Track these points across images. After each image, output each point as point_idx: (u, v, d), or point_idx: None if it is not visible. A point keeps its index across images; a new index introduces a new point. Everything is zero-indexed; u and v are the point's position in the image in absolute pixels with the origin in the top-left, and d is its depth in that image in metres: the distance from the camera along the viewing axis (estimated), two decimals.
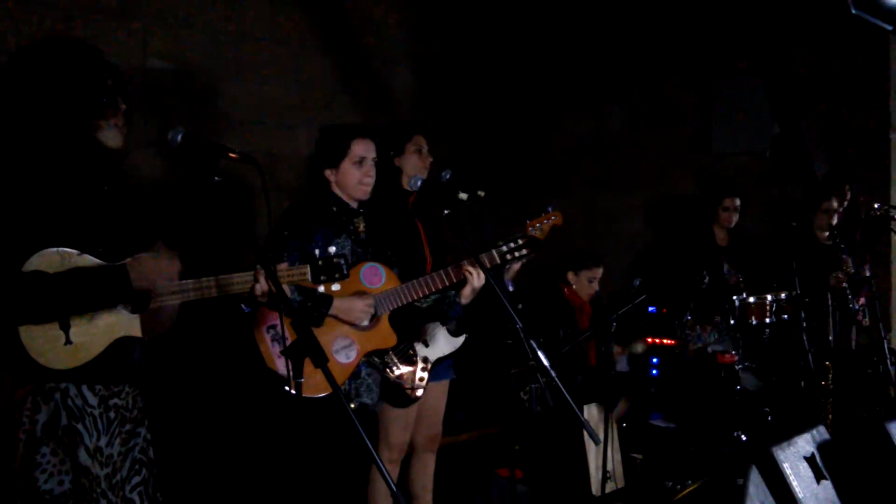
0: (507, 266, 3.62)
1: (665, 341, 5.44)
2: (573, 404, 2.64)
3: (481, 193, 3.45)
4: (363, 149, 3.36)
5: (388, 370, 3.52)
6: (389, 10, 5.79)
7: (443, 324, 3.72)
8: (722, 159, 6.11)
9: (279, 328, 3.10)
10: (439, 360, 3.72)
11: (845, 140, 5.81)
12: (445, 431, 4.04)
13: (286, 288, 2.57)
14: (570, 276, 5.21)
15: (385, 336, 3.31)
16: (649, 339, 5.46)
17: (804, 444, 3.50)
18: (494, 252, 3.37)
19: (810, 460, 3.43)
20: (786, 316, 5.07)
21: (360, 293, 3.24)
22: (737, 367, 5.07)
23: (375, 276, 3.28)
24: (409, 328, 3.55)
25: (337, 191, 3.37)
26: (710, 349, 5.27)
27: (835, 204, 5.42)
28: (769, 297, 5.07)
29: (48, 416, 2.24)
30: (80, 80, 2.30)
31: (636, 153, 6.40)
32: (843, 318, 5.30)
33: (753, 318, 5.06)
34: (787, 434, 3.51)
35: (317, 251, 2.59)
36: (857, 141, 5.79)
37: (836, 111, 5.81)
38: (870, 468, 3.59)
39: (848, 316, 5.28)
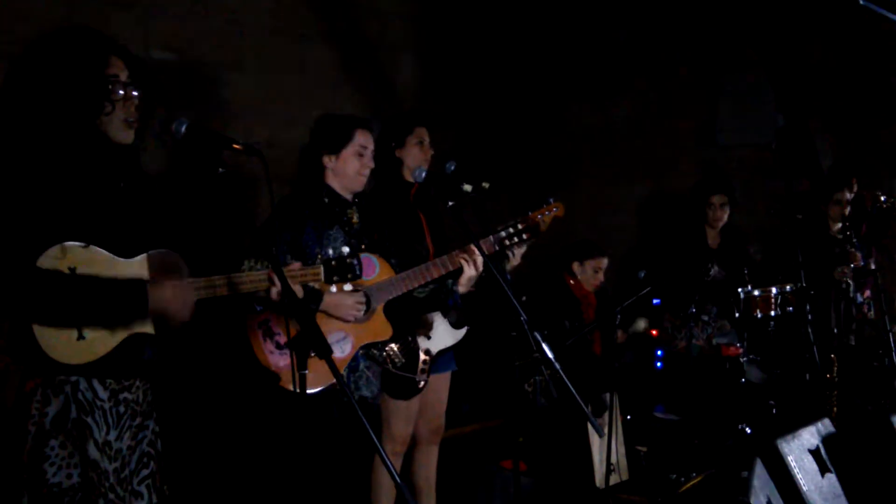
0: (509, 256, 3.61)
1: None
2: (577, 397, 2.63)
3: (486, 185, 3.44)
4: (365, 139, 3.34)
5: (388, 362, 3.52)
6: (394, 1, 5.77)
7: (443, 314, 3.71)
8: (727, 151, 6.09)
9: (271, 324, 3.10)
10: (441, 352, 3.71)
11: (852, 132, 5.79)
12: (449, 424, 4.03)
13: (298, 288, 2.56)
14: (576, 266, 5.20)
15: (380, 328, 3.29)
16: (654, 332, 5.45)
17: (809, 437, 3.50)
18: (492, 238, 3.34)
19: (815, 453, 3.43)
20: (791, 308, 5.05)
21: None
22: (742, 359, 5.06)
23: (369, 266, 3.25)
24: (408, 319, 3.54)
25: (331, 180, 3.33)
26: (714, 341, 5.26)
27: (847, 195, 5.37)
28: (774, 290, 5.05)
29: (58, 409, 2.23)
30: (81, 75, 2.28)
31: (641, 145, 6.38)
32: (846, 312, 5.28)
33: (758, 310, 5.04)
34: (792, 427, 3.51)
35: (330, 251, 2.57)
36: (863, 133, 5.76)
37: (843, 103, 5.78)
38: (874, 461, 3.58)
39: (849, 310, 5.26)
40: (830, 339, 5.17)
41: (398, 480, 2.01)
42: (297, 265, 2.60)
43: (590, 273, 5.19)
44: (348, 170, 3.31)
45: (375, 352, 3.40)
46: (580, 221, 4.03)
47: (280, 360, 3.10)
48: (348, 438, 3.14)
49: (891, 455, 3.55)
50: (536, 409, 4.72)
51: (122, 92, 2.32)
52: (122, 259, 2.29)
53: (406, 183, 3.78)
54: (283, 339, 3.12)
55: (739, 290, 5.05)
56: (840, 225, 5.33)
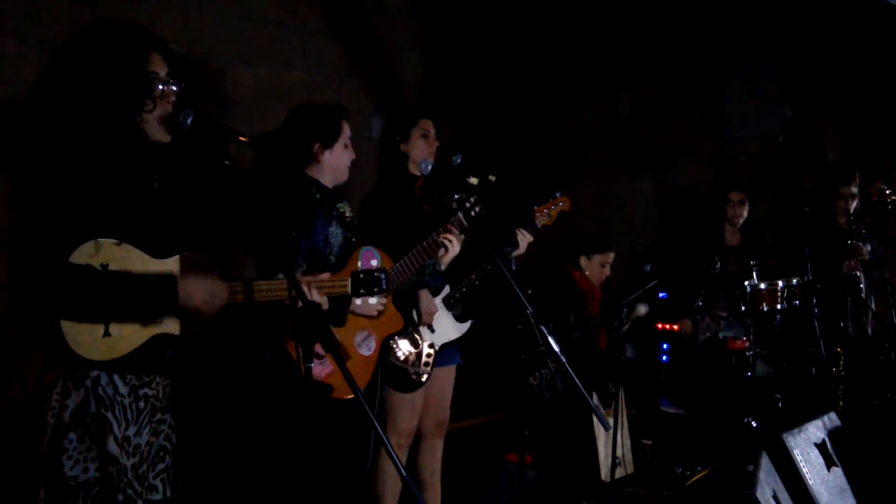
0: (518, 242, 3.63)
1: (676, 327, 5.43)
2: (583, 390, 2.63)
3: (492, 178, 3.44)
4: (348, 129, 3.33)
5: (391, 355, 3.52)
6: None
7: (447, 307, 3.72)
8: (733, 145, 6.07)
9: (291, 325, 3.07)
10: (445, 346, 3.72)
11: (858, 125, 5.76)
12: (455, 417, 4.04)
13: (325, 300, 2.57)
14: (583, 260, 5.20)
15: (394, 320, 3.32)
16: (659, 325, 5.44)
17: (815, 430, 3.50)
18: (460, 214, 3.41)
19: (821, 447, 3.43)
20: (797, 302, 5.04)
21: None
22: (748, 353, 5.05)
23: (373, 259, 3.24)
24: (410, 310, 3.55)
25: (319, 174, 3.28)
26: (721, 335, 5.26)
27: (854, 189, 5.36)
28: (780, 284, 5.04)
29: (77, 403, 2.23)
30: (124, 72, 2.27)
31: (646, 139, 6.36)
32: (854, 305, 5.26)
33: (765, 304, 5.04)
34: (798, 420, 3.50)
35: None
36: (870, 126, 5.74)
37: (850, 96, 5.75)
38: (881, 455, 3.58)
39: (860, 303, 5.25)
40: (837, 333, 5.15)
41: (403, 473, 2.01)
42: (326, 276, 2.60)
43: (596, 267, 5.19)
44: (341, 162, 3.29)
45: (392, 345, 3.42)
46: (584, 215, 4.03)
47: (322, 371, 3.03)
48: (355, 432, 3.14)
49: None
50: (542, 403, 4.72)
51: (161, 88, 2.32)
52: (154, 259, 2.28)
53: (411, 176, 3.77)
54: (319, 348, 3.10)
55: (746, 283, 5.04)
56: (846, 219, 5.31)
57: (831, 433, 3.55)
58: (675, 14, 6.19)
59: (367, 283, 2.59)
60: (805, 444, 3.36)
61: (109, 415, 2.26)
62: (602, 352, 5.08)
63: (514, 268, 3.76)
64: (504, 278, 2.81)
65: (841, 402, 4.92)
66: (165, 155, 2.39)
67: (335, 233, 3.22)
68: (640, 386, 5.26)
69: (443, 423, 3.91)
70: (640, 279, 4.53)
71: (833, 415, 3.71)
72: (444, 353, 3.73)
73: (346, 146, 3.30)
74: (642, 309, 5.08)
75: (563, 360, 2.64)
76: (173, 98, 2.34)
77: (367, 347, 3.20)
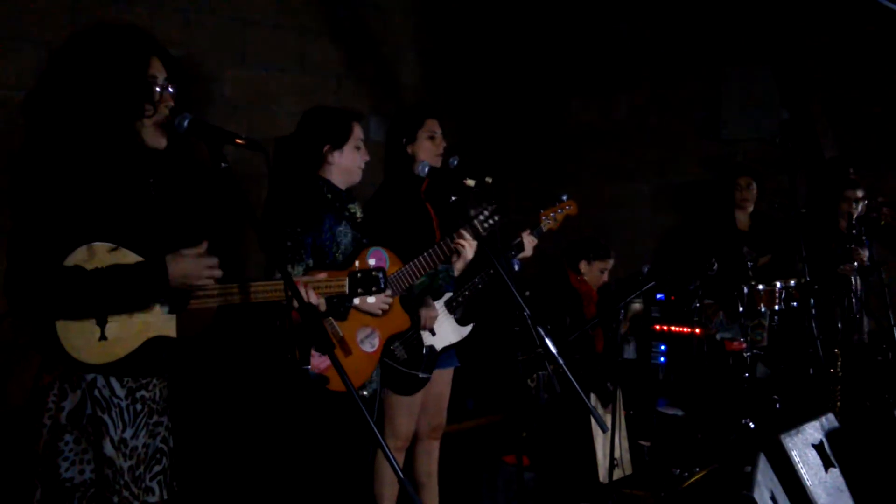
0: (524, 246, 3.63)
1: (674, 328, 5.43)
2: (581, 392, 2.63)
3: (489, 180, 3.44)
4: (360, 132, 3.35)
5: (391, 357, 3.52)
6: None
7: (449, 311, 3.72)
8: (731, 146, 6.08)
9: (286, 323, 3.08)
10: (444, 349, 3.72)
11: (855, 126, 5.77)
12: (453, 418, 4.04)
13: (322, 301, 2.57)
14: (583, 265, 5.23)
15: (401, 319, 3.32)
16: (657, 326, 5.45)
17: (813, 431, 3.50)
18: (476, 222, 3.44)
19: (819, 448, 3.43)
20: (795, 303, 5.05)
21: None
22: (745, 354, 5.06)
23: (381, 259, 3.25)
24: (419, 309, 3.55)
25: (330, 174, 3.30)
26: (718, 336, 5.26)
27: (860, 193, 5.39)
28: (778, 285, 5.05)
29: (74, 405, 2.24)
30: (125, 76, 2.27)
31: (644, 140, 6.37)
32: (848, 308, 5.28)
33: (762, 305, 5.04)
34: (796, 421, 3.50)
35: (343, 247, 2.48)
36: (866, 126, 5.74)
37: (846, 97, 5.76)
38: (878, 456, 3.58)
39: (851, 306, 5.26)
40: (834, 334, 5.16)
41: (401, 475, 2.01)
42: (322, 275, 2.60)
43: (596, 273, 5.24)
44: (351, 163, 3.31)
45: (392, 347, 3.42)
46: (582, 216, 4.02)
47: (321, 363, 3.04)
48: (352, 433, 3.14)
49: (894, 449, 3.54)
50: (539, 405, 4.72)
51: (161, 92, 2.32)
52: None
53: (417, 177, 3.74)
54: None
55: (744, 285, 5.05)
56: (848, 223, 5.34)
57: (829, 434, 3.55)
58: (672, 16, 6.19)
59: (364, 282, 2.58)
60: (803, 445, 3.36)
61: (106, 417, 2.26)
62: (599, 354, 5.09)
63: (517, 269, 3.78)
64: (502, 281, 2.81)
65: (838, 403, 4.93)
66: (161, 158, 2.39)
67: (344, 232, 3.23)
68: (637, 387, 5.26)
69: (439, 427, 3.91)
70: (637, 280, 4.53)
71: (831, 416, 3.71)
72: (443, 356, 3.73)
73: (357, 148, 3.31)
74: (636, 306, 5.10)
75: (560, 361, 2.64)
76: (171, 103, 2.34)
77: (370, 344, 3.20)
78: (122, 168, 2.29)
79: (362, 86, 5.44)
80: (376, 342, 3.22)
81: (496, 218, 3.45)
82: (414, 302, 3.51)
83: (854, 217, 5.34)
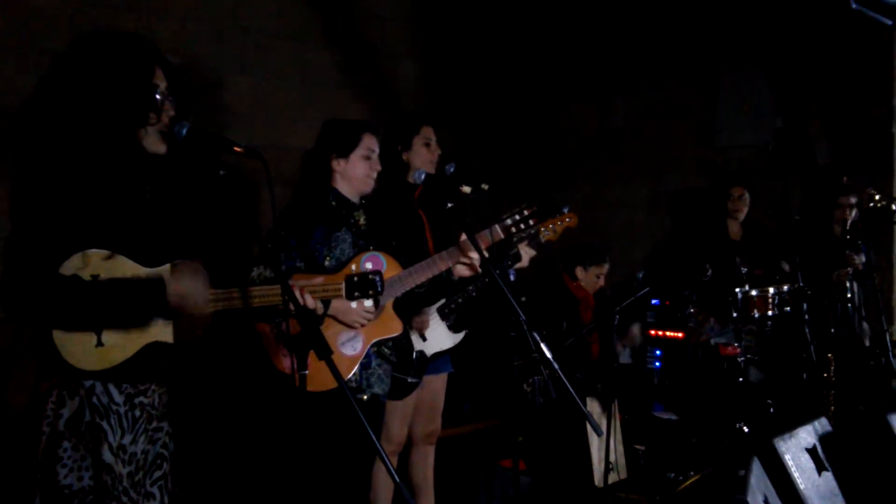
0: (521, 256, 3.62)
1: (668, 334, 5.46)
2: (576, 396, 2.65)
3: (485, 186, 3.46)
4: (373, 143, 3.35)
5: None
6: (393, 3, 5.80)
7: (441, 317, 3.72)
8: (726, 152, 6.12)
9: (283, 326, 3.11)
10: (438, 355, 3.72)
11: (848, 133, 5.81)
12: (448, 423, 4.05)
13: (319, 304, 2.56)
14: (579, 270, 5.25)
15: (390, 324, 3.30)
16: (652, 332, 5.48)
17: (806, 435, 3.52)
18: (498, 227, 3.37)
19: (812, 452, 3.45)
20: (788, 308, 5.08)
21: None
22: (739, 359, 5.08)
23: (377, 263, 3.23)
24: (411, 316, 3.56)
25: (338, 184, 3.34)
26: (713, 341, 5.29)
27: (853, 199, 5.42)
28: (772, 290, 5.08)
29: (72, 412, 2.25)
30: (130, 85, 2.29)
31: (640, 146, 6.40)
32: (843, 313, 5.30)
33: (756, 310, 5.07)
34: (789, 426, 3.52)
35: (337, 252, 2.48)
36: (860, 133, 5.78)
37: (840, 104, 5.80)
38: (871, 460, 3.60)
39: (847, 312, 5.29)
40: (828, 339, 5.19)
41: (397, 479, 2.03)
42: (319, 279, 2.60)
43: (592, 278, 5.26)
44: (358, 173, 3.32)
45: (386, 350, 3.43)
46: (578, 223, 4.05)
47: (286, 364, 3.08)
48: (349, 437, 3.16)
49: (887, 454, 3.56)
50: (535, 409, 4.74)
51: (163, 101, 2.34)
52: (145, 268, 2.29)
53: (410, 185, 3.77)
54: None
55: (737, 289, 5.08)
56: (842, 228, 5.37)
57: (822, 438, 3.57)
58: (667, 23, 6.23)
59: (361, 285, 2.56)
60: (796, 449, 3.38)
61: (104, 423, 2.27)
62: (595, 359, 5.11)
63: (512, 279, 3.77)
64: (498, 287, 2.83)
65: (832, 408, 4.95)
66: (160, 166, 2.40)
67: (342, 238, 3.24)
68: (632, 392, 5.28)
69: (434, 432, 3.92)
70: (632, 286, 4.56)
71: (824, 420, 3.73)
72: (437, 362, 3.74)
73: (365, 158, 3.32)
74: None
75: (556, 366, 2.67)
76: (172, 112, 2.36)
77: (351, 347, 3.19)
78: (121, 175, 2.30)
79: (360, 93, 5.47)
80: (359, 346, 3.21)
81: (531, 223, 3.39)
82: (407, 307, 3.52)
83: (848, 222, 5.37)
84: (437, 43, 6.10)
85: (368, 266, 3.16)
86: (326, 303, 3.05)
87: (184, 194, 2.48)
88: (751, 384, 5.12)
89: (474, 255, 3.34)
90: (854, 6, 4.03)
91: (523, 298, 4.85)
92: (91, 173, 2.25)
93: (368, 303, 2.80)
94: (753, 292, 5.06)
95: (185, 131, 2.35)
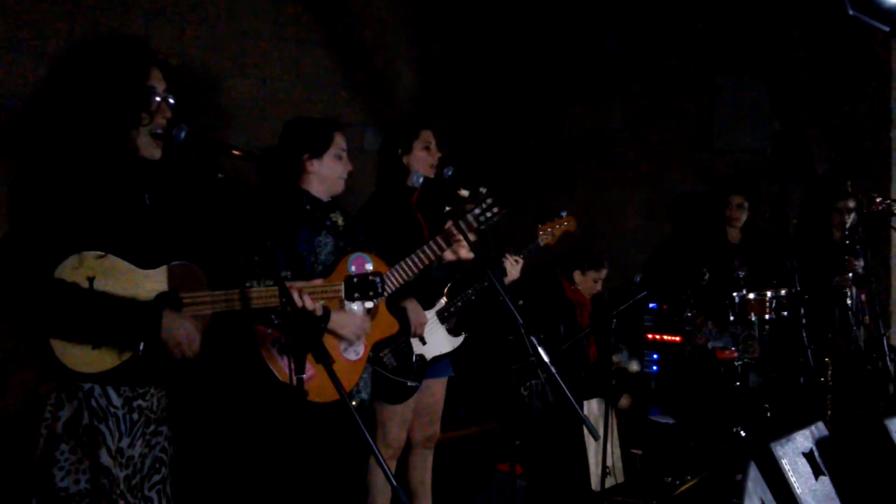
0: (506, 269, 3.63)
1: (666, 337, 5.46)
2: (573, 400, 2.66)
3: (483, 190, 3.46)
4: (343, 141, 3.31)
5: (381, 365, 3.53)
6: (391, 6, 5.80)
7: (441, 321, 3.73)
8: (723, 156, 6.12)
9: (282, 338, 3.08)
10: (437, 358, 3.73)
11: (846, 137, 5.82)
12: (446, 427, 4.04)
13: (319, 306, 2.56)
14: (577, 275, 5.26)
15: (387, 323, 3.30)
16: (650, 336, 5.48)
17: (803, 440, 3.52)
18: (469, 217, 3.42)
19: (809, 456, 3.44)
20: (785, 313, 5.08)
21: None
22: (736, 363, 5.09)
23: (363, 265, 3.21)
24: (404, 314, 3.56)
25: (310, 185, 3.27)
26: (710, 345, 5.30)
27: (851, 203, 5.43)
28: (769, 294, 5.08)
29: (70, 415, 2.25)
30: (123, 85, 2.29)
31: (637, 150, 6.40)
32: (842, 318, 5.31)
33: (753, 314, 5.08)
34: (786, 430, 3.52)
35: (352, 268, 2.52)
36: (858, 137, 5.79)
37: (838, 108, 5.81)
38: (868, 465, 3.60)
39: (846, 316, 5.29)
40: (826, 343, 5.19)
41: (394, 483, 2.03)
42: (318, 282, 2.59)
43: (590, 282, 5.27)
44: (332, 173, 3.27)
45: (371, 354, 3.43)
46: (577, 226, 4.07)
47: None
48: (346, 442, 3.15)
49: (885, 458, 3.56)
50: (532, 413, 4.74)
51: (157, 99, 2.34)
52: (141, 270, 2.29)
53: (408, 188, 3.77)
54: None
55: (734, 293, 5.09)
56: (841, 233, 5.37)
57: (819, 442, 3.57)
58: (665, 28, 6.24)
59: (361, 287, 2.55)
60: (793, 454, 3.38)
61: (102, 426, 2.27)
62: (592, 363, 5.11)
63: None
64: (496, 291, 2.84)
65: (829, 412, 4.95)
66: (157, 169, 2.40)
67: (323, 242, 3.21)
68: (630, 395, 5.28)
69: (433, 437, 3.92)
70: (630, 290, 4.56)
71: (821, 424, 3.73)
72: (437, 366, 3.73)
73: (338, 157, 3.27)
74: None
75: (553, 370, 2.67)
76: (169, 114, 2.36)
77: (353, 352, 3.18)
78: (116, 178, 2.30)
79: (358, 96, 5.47)
80: (361, 350, 3.19)
81: (495, 210, 3.42)
82: (402, 308, 3.52)
83: (847, 227, 5.37)
84: (435, 45, 6.11)
85: (353, 269, 3.13)
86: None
87: (182, 198, 2.47)
88: (748, 388, 5.12)
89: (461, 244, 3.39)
90: (851, 12, 4.04)
91: (521, 302, 4.85)
92: (87, 176, 2.25)
93: (366, 304, 2.79)
94: (751, 296, 5.07)
95: (183, 135, 2.35)
